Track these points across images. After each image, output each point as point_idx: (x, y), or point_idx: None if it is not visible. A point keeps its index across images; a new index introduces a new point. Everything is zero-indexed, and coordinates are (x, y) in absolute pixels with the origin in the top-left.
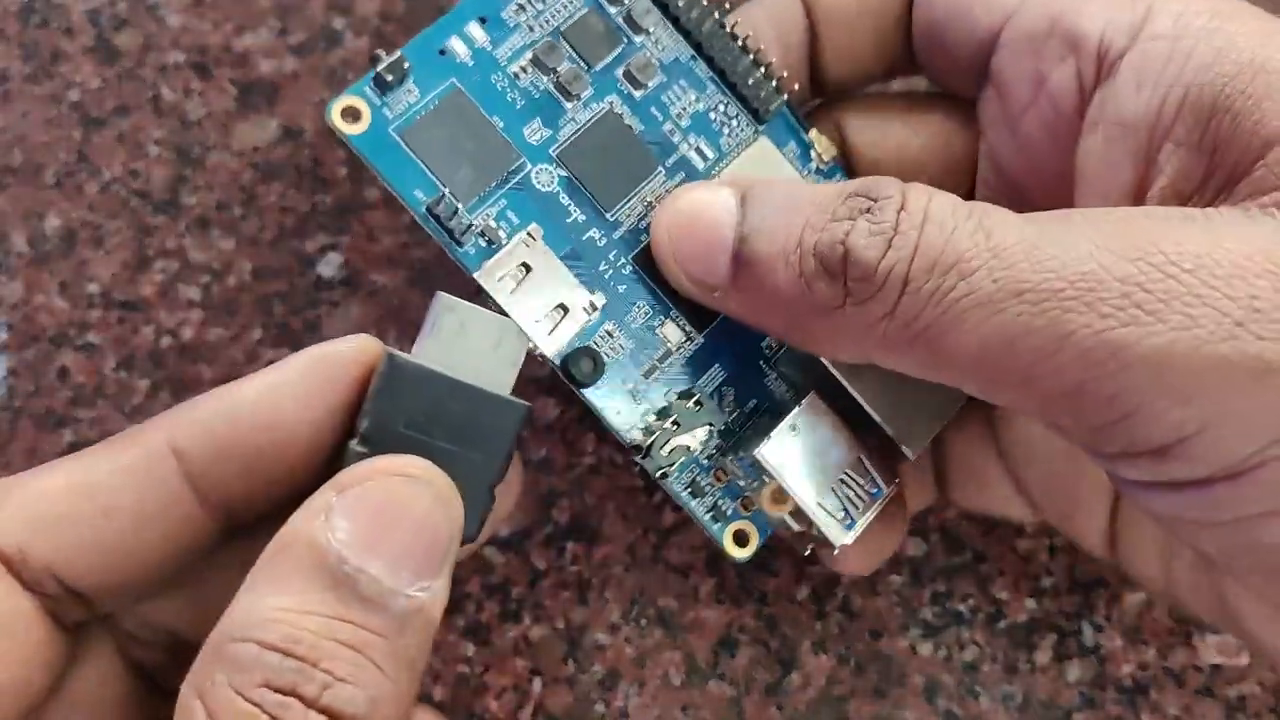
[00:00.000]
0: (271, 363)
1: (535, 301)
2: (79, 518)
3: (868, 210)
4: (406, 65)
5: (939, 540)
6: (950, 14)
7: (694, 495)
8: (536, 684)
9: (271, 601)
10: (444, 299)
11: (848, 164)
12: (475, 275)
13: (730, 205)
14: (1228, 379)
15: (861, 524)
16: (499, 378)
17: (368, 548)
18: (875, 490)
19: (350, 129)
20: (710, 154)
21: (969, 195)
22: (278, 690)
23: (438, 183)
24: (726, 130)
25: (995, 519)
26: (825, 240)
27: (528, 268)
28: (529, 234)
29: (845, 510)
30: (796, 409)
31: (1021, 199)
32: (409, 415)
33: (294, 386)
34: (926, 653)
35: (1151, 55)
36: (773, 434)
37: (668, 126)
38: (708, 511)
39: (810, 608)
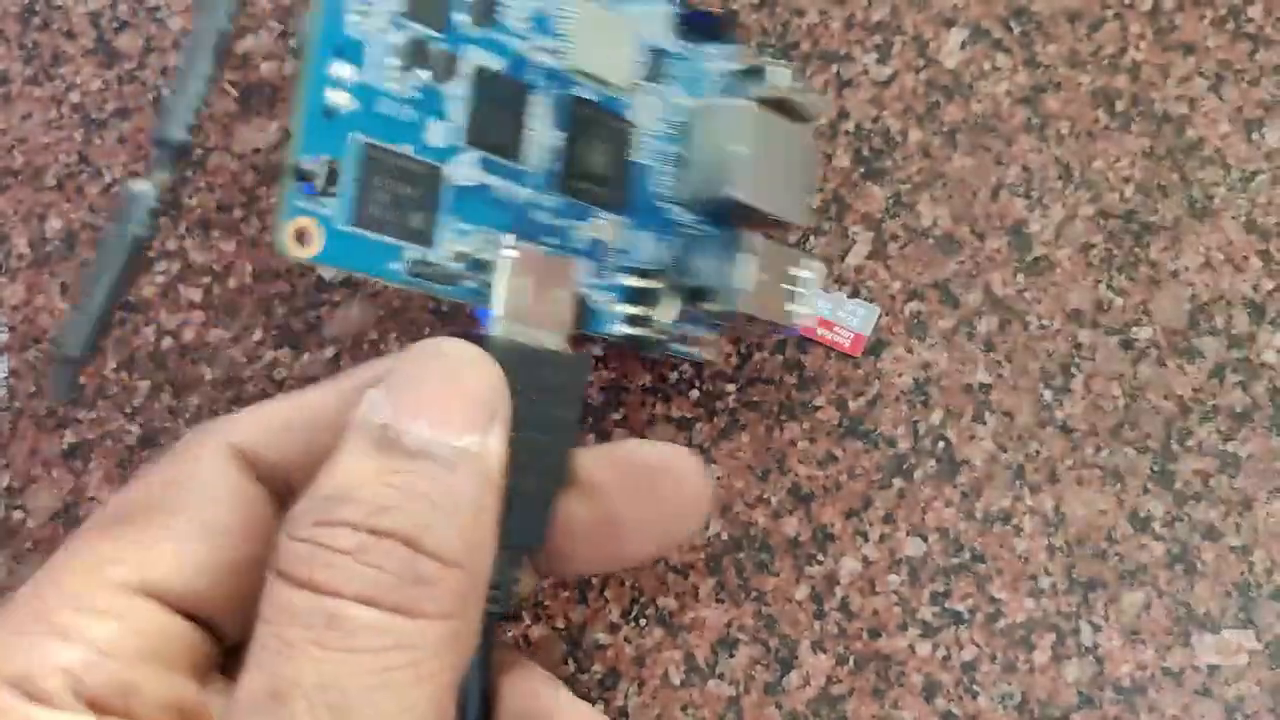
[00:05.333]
0: (274, 364)
1: (547, 299)
2: (298, 426)
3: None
4: (338, 162)
5: (938, 540)
6: None
7: (694, 346)
8: None
9: (329, 472)
10: (503, 253)
11: None
12: (497, 320)
13: None
14: None
15: (810, 311)
16: (560, 318)
17: (407, 412)
18: (815, 273)
19: (308, 251)
20: (556, 47)
21: None
22: (324, 524)
23: (400, 244)
24: (554, 14)
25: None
26: None
27: (525, 276)
28: (508, 248)
29: (801, 305)
30: (749, 252)
31: None
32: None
33: None
34: (925, 652)
35: None
36: (740, 286)
37: (518, 44)
38: (688, 345)
39: (809, 607)
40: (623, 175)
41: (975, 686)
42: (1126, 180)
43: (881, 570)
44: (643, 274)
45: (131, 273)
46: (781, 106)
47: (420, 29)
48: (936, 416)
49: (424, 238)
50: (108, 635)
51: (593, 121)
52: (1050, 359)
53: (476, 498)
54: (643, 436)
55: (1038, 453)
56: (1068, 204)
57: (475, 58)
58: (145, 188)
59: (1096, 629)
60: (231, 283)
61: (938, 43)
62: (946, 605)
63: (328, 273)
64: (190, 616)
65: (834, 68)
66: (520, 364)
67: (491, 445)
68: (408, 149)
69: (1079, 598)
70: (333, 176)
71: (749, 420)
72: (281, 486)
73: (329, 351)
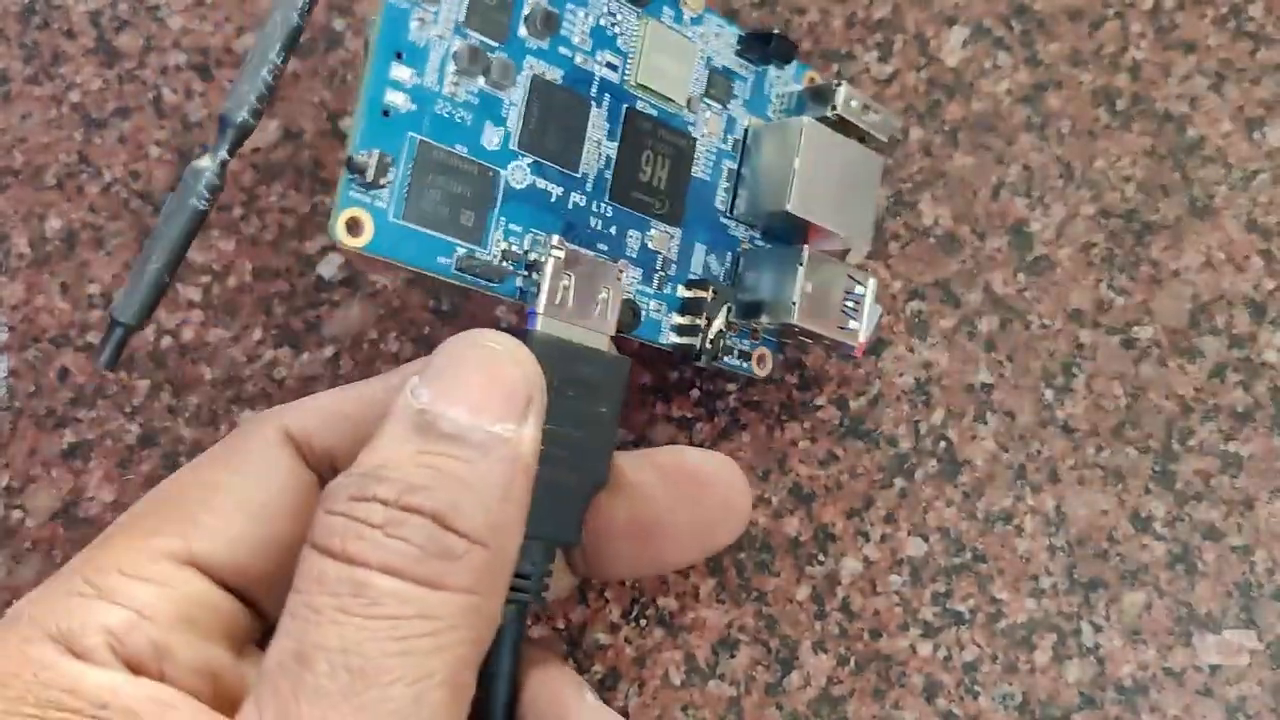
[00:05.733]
0: (273, 363)
1: (590, 299)
2: (349, 415)
3: None
4: (389, 158)
5: (939, 540)
6: None
7: (744, 360)
8: None
9: (369, 451)
10: (550, 252)
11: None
12: (540, 317)
13: None
14: None
15: (866, 321)
16: (604, 324)
17: (446, 398)
18: (862, 284)
19: (360, 240)
20: (617, 61)
21: None
22: (358, 499)
23: (451, 240)
24: (618, 30)
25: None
26: None
27: (570, 276)
28: (554, 248)
29: (854, 320)
30: (799, 269)
31: None
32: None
33: None
34: (926, 653)
35: None
36: (794, 300)
37: (578, 58)
38: (738, 359)
39: (810, 608)
40: (681, 189)
41: (976, 687)
42: (1127, 179)
43: (883, 570)
44: (695, 285)
45: (187, 244)
46: (845, 126)
47: (480, 38)
48: (938, 416)
49: (474, 235)
50: (148, 600)
51: (651, 135)
52: (1051, 358)
53: (506, 481)
54: (642, 436)
55: (1039, 452)
56: (1069, 203)
57: (534, 67)
58: (207, 164)
59: (1098, 629)
60: (231, 282)
61: (939, 41)
62: (948, 605)
63: (327, 272)
64: (232, 590)
65: (835, 66)
66: (560, 359)
67: (526, 433)
68: (462, 149)
69: (1080, 598)
70: (383, 169)
71: (750, 420)
72: (329, 473)
73: (328, 351)
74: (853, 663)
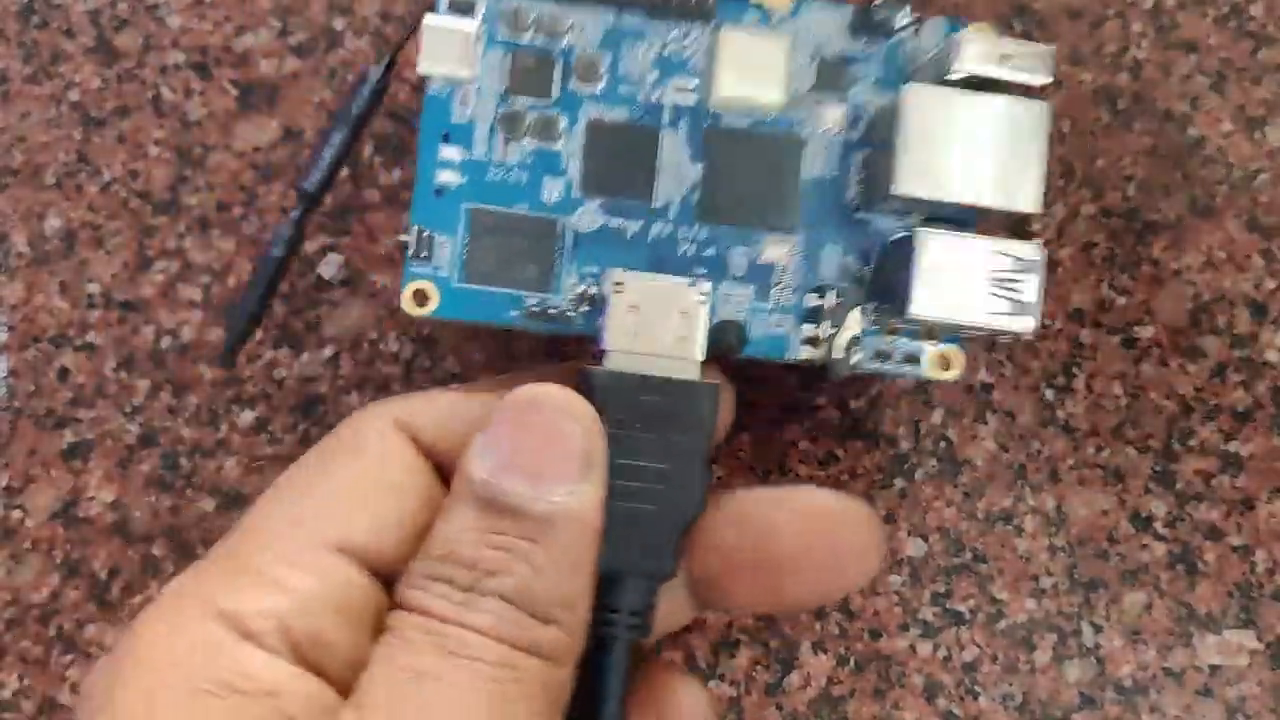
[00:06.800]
0: (273, 363)
1: (664, 326)
2: (458, 417)
3: None
4: (427, 233)
5: (939, 540)
6: None
7: (884, 361)
8: None
9: (439, 529)
10: (612, 275)
11: None
12: (608, 350)
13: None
14: None
15: (1036, 300)
16: (687, 349)
17: (504, 467)
18: (1028, 260)
19: (427, 309)
20: (691, 84)
21: None
22: (438, 580)
23: (518, 293)
24: (689, 52)
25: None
26: None
27: (636, 307)
28: (615, 283)
29: (1013, 302)
30: (919, 249)
31: None
32: (611, 417)
33: None
34: (926, 653)
35: None
36: (913, 288)
37: (642, 94)
38: (903, 361)
39: None
40: (790, 193)
41: (976, 687)
42: (1128, 179)
43: (882, 570)
44: (818, 291)
45: (272, 289)
46: (984, 83)
47: (527, 100)
48: (938, 416)
49: (543, 284)
50: (311, 588)
51: (740, 147)
52: (1052, 358)
53: (575, 553)
54: None
55: (1039, 452)
56: (1070, 202)
57: (589, 112)
58: (288, 220)
59: (1098, 629)
60: (231, 282)
61: None
62: (948, 605)
63: (327, 272)
64: (374, 576)
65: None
66: (632, 393)
67: (588, 493)
68: (522, 208)
69: (1080, 598)
70: (425, 243)
71: (750, 420)
72: (440, 468)
73: (329, 351)
74: (853, 663)
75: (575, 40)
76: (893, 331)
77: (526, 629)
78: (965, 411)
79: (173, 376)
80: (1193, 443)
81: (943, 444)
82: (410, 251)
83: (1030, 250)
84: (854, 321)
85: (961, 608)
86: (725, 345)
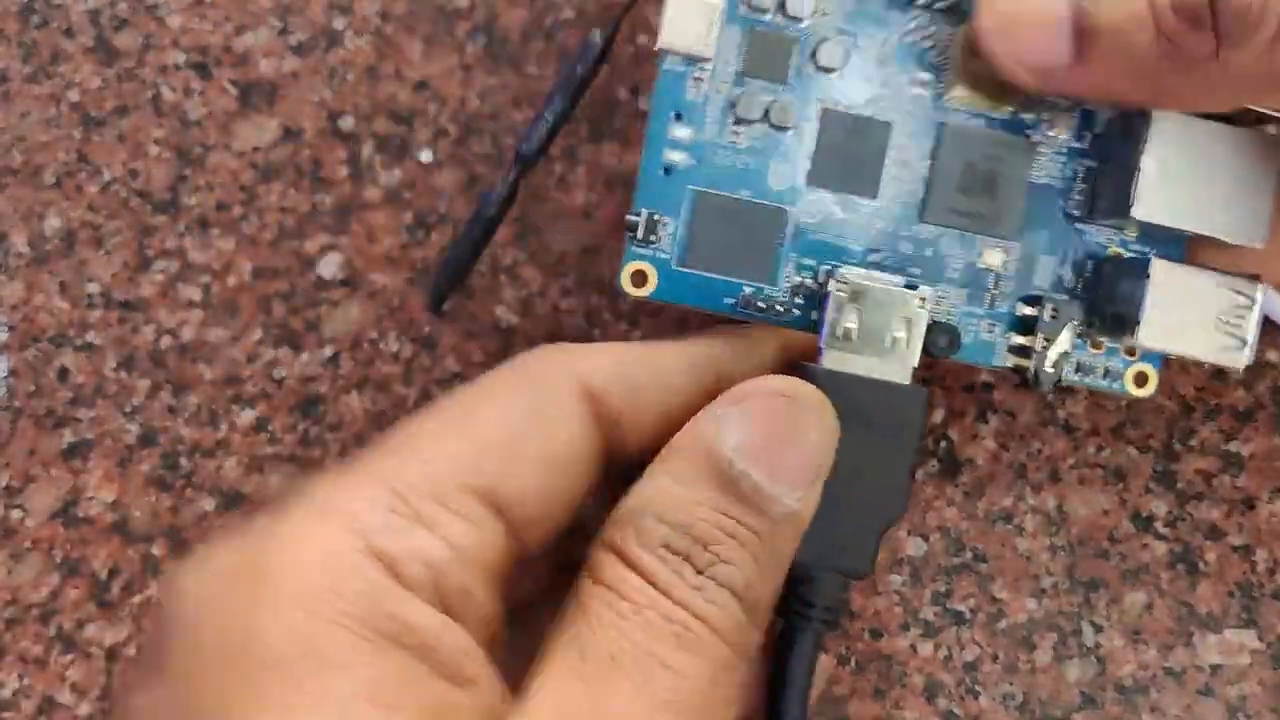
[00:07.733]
0: (273, 363)
1: (884, 329)
2: (645, 380)
3: None
4: (655, 216)
5: (939, 540)
6: None
7: (1086, 375)
8: None
9: (671, 488)
10: (832, 285)
11: None
12: (825, 353)
13: None
14: None
15: (1254, 339)
16: (903, 353)
17: (752, 456)
18: (1253, 297)
19: (645, 290)
20: (927, 76)
21: None
22: (675, 553)
23: (736, 281)
24: (930, 42)
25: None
26: None
27: (859, 308)
28: (841, 282)
29: (1234, 338)
30: (1154, 277)
31: None
32: None
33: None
34: (927, 653)
35: None
36: (1141, 319)
37: (878, 82)
38: (1104, 378)
39: None
40: (1015, 198)
41: (977, 687)
42: None
43: (883, 570)
44: (1033, 302)
45: (480, 247)
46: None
47: (762, 82)
48: (938, 415)
49: (761, 274)
50: (463, 538)
51: (973, 147)
52: None
53: (786, 557)
54: None
55: (1040, 452)
56: None
57: (825, 100)
58: (499, 186)
59: (1098, 629)
60: (231, 282)
61: None
62: (948, 605)
63: (327, 271)
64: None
65: None
66: (843, 393)
67: (811, 499)
68: (746, 194)
69: (1081, 597)
70: (652, 227)
71: None
72: (611, 428)
73: (328, 350)
74: (853, 663)
75: (815, 25)
76: (1096, 345)
77: (745, 632)
78: (966, 411)
79: (172, 376)
80: (1193, 442)
81: (943, 443)
82: (639, 234)
83: (1256, 288)
84: (1066, 337)
85: (962, 607)
86: (939, 349)
